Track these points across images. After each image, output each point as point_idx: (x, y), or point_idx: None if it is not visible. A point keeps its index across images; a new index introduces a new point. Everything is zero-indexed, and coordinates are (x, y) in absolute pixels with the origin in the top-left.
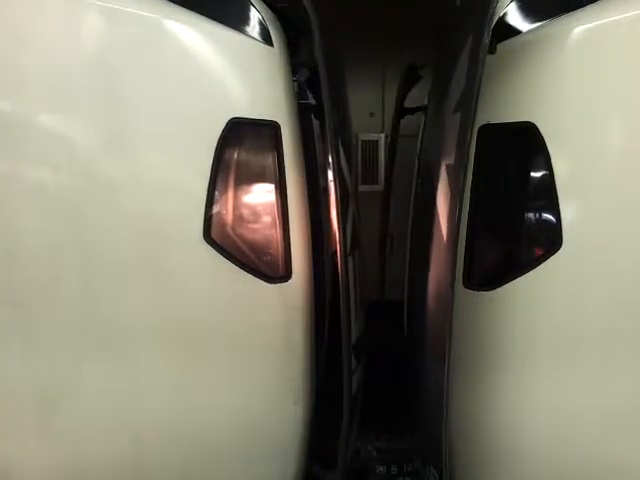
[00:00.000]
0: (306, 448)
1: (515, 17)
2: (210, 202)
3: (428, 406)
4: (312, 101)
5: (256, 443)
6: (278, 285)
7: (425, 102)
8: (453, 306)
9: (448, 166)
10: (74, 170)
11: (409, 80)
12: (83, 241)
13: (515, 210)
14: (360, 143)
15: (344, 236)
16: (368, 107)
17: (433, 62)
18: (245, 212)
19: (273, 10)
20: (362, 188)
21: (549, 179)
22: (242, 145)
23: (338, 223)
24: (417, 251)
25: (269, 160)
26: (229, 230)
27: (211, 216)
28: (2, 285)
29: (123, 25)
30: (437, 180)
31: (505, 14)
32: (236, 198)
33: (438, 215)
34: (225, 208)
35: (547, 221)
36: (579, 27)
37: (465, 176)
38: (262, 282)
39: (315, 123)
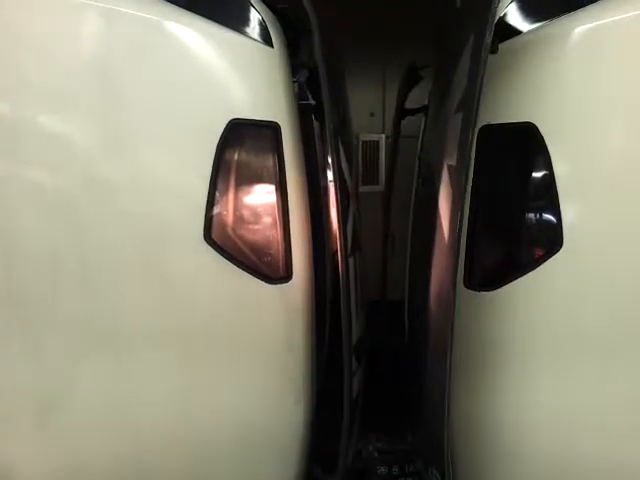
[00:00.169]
0: (307, 449)
1: (515, 17)
2: (211, 203)
3: (430, 406)
4: (312, 102)
5: (257, 444)
6: (279, 286)
7: (426, 103)
8: (454, 306)
9: (449, 166)
10: (74, 171)
11: (410, 81)
12: (83, 242)
13: (515, 210)
14: (361, 143)
15: (345, 237)
16: (368, 107)
17: (433, 63)
18: (246, 213)
19: (273, 11)
20: (363, 189)
21: (549, 179)
22: (242, 146)
23: (338, 223)
24: (418, 251)
25: (269, 161)
26: (230, 231)
27: (212, 217)
28: (2, 285)
29: (123, 26)
30: (438, 180)
31: (505, 14)
32: (237, 199)
33: (439, 215)
34: (226, 209)
35: (547, 221)
36: (580, 27)
37: (467, 177)
38: (263, 283)
39: (315, 124)
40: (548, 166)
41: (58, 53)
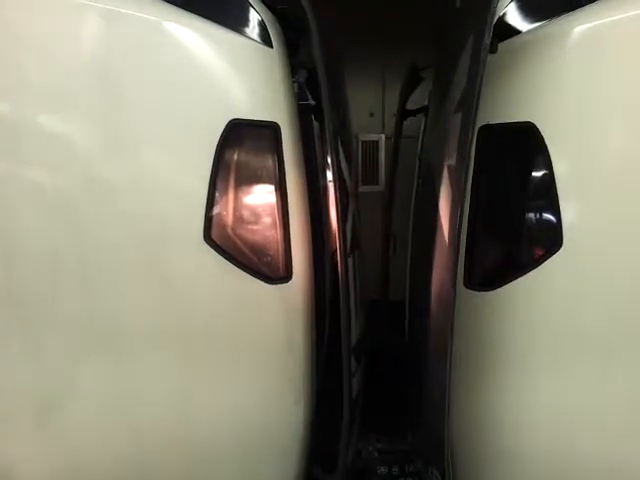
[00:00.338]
0: (307, 449)
1: (515, 17)
2: (210, 203)
3: (430, 406)
4: (312, 102)
5: (257, 444)
6: (278, 286)
7: (426, 103)
8: (454, 306)
9: (449, 166)
10: (74, 171)
11: (411, 82)
12: (83, 242)
13: (515, 210)
14: (360, 143)
15: (344, 237)
16: (368, 107)
17: (433, 63)
18: (245, 213)
19: (272, 11)
20: (362, 189)
21: (549, 179)
22: (242, 146)
23: (338, 224)
24: (418, 251)
25: (269, 161)
26: (229, 231)
27: (211, 217)
28: (2, 285)
29: (123, 27)
30: (438, 180)
31: (505, 14)
32: (236, 199)
33: (439, 215)
34: (225, 209)
35: (547, 221)
36: (579, 27)
37: (466, 176)
38: (262, 283)
39: (315, 124)
40: (548, 166)
41: (58, 53)
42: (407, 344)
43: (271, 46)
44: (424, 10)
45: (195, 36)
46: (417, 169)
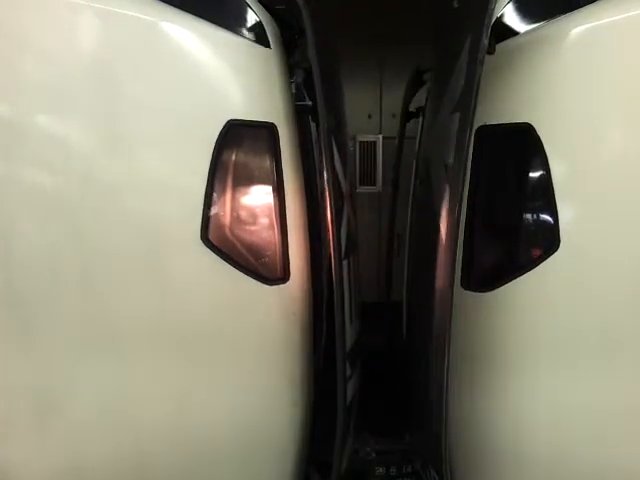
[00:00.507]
0: (305, 451)
1: (512, 18)
2: (208, 204)
3: (428, 407)
4: (309, 103)
5: (254, 445)
6: (276, 287)
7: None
8: (452, 307)
9: (447, 167)
10: (72, 171)
11: (415, 84)
12: (81, 242)
13: (512, 211)
14: (358, 144)
15: (338, 239)
16: (366, 108)
17: (432, 64)
18: (243, 214)
19: (270, 12)
20: (360, 189)
21: (546, 180)
22: (240, 147)
23: (332, 226)
24: (416, 252)
25: (267, 162)
26: (227, 232)
27: (209, 218)
28: (1, 286)
29: (120, 27)
30: (435, 181)
31: (503, 15)
32: (234, 200)
33: (437, 216)
34: (223, 210)
35: (544, 222)
36: (576, 28)
37: (464, 177)
38: (260, 284)
39: (312, 125)
40: (545, 166)
41: (56, 54)
42: (405, 345)
43: (268, 46)
44: (422, 11)
45: (192, 36)
46: (414, 170)
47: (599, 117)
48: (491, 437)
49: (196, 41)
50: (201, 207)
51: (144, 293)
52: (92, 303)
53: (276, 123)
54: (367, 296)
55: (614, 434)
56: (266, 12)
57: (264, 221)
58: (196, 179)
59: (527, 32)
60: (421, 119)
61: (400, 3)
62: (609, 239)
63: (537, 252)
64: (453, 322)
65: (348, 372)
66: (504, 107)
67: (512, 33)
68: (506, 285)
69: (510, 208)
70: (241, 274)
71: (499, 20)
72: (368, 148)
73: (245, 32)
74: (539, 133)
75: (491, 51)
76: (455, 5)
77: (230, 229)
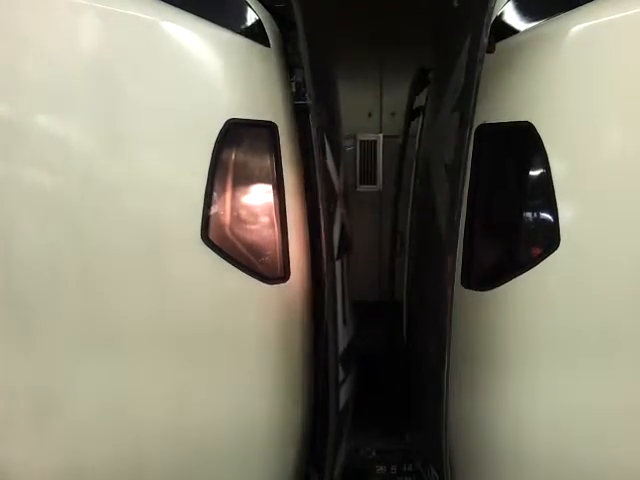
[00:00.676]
0: (305, 450)
1: (512, 16)
2: (208, 203)
3: (428, 406)
4: (309, 101)
5: (254, 444)
6: (276, 286)
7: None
8: (452, 306)
9: (447, 166)
10: (72, 171)
11: (419, 83)
12: (81, 242)
13: (512, 210)
14: (358, 143)
15: (330, 239)
16: (366, 107)
17: (432, 63)
18: (243, 213)
19: (270, 10)
20: (361, 188)
21: (546, 178)
22: (240, 146)
23: (324, 225)
24: (416, 251)
25: (267, 161)
26: (227, 231)
27: (209, 217)
28: (1, 286)
29: (121, 27)
30: (436, 180)
31: (502, 13)
32: (234, 199)
33: (437, 215)
34: (223, 209)
35: (544, 220)
36: (576, 26)
37: (464, 176)
38: (260, 283)
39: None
40: (545, 165)
41: (56, 54)
42: (406, 345)
43: (268, 45)
44: (422, 11)
45: (192, 36)
46: (415, 168)
47: (599, 115)
48: (491, 437)
49: (196, 40)
50: (201, 206)
51: (144, 293)
52: (92, 303)
53: (276, 122)
54: (368, 295)
55: (614, 434)
56: (266, 11)
57: (264, 220)
58: (196, 178)
59: (527, 30)
60: (421, 118)
61: (399, 3)
62: (609, 238)
63: (537, 251)
64: (453, 321)
65: (341, 376)
66: (504, 106)
67: (512, 32)
68: (506, 284)
69: (510, 207)
70: (241, 273)
71: (499, 19)
72: (368, 147)
73: (245, 31)
74: (539, 131)
75: (491, 50)
76: (455, 4)
77: (230, 228)
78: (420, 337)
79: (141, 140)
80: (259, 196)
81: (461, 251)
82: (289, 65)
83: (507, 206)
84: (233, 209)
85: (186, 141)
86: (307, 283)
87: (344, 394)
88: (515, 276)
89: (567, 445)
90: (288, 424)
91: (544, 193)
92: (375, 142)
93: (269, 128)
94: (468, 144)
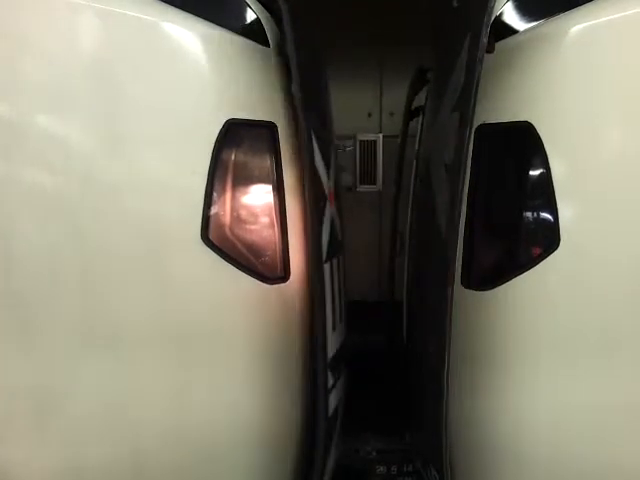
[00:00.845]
0: (305, 450)
1: (512, 16)
2: (208, 203)
3: (428, 406)
4: (297, 102)
5: (254, 444)
6: (276, 286)
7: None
8: (452, 306)
9: (446, 166)
10: (72, 171)
11: (418, 82)
12: (81, 242)
13: (512, 210)
14: (358, 143)
15: (318, 240)
16: (366, 107)
17: (432, 63)
18: (243, 213)
19: (269, 10)
20: (360, 188)
21: (546, 178)
22: (239, 146)
23: (312, 226)
24: (416, 251)
25: (267, 161)
26: (227, 231)
27: (209, 217)
28: (1, 286)
29: (121, 28)
30: (435, 180)
31: (502, 13)
32: (234, 199)
33: (436, 215)
34: (223, 209)
35: (544, 220)
36: (575, 26)
37: (463, 176)
38: (260, 283)
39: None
40: (545, 165)
41: (56, 54)
42: (406, 344)
43: (268, 45)
44: (421, 11)
45: (192, 36)
46: (414, 168)
47: (599, 115)
48: (491, 436)
49: (196, 40)
50: (201, 206)
51: (144, 293)
52: (92, 303)
53: (276, 122)
54: (368, 296)
55: (614, 433)
56: (265, 11)
57: (264, 220)
58: (196, 178)
59: (526, 30)
60: (421, 118)
61: (399, 3)
62: (609, 238)
63: (537, 251)
64: (453, 321)
65: (330, 381)
66: (504, 106)
67: (511, 31)
68: (506, 283)
69: (510, 207)
70: (241, 273)
71: (498, 18)
72: (368, 147)
73: (245, 31)
74: (539, 131)
75: (490, 50)
76: (455, 4)
77: (230, 228)
78: (420, 337)
79: (141, 140)
80: (259, 196)
81: (461, 251)
82: (289, 65)
83: (507, 206)
84: (233, 209)
85: (186, 141)
86: (307, 283)
87: (333, 400)
88: (515, 276)
89: (567, 445)
90: (288, 425)
91: (544, 193)
92: (375, 142)
93: (269, 128)
94: (468, 144)
